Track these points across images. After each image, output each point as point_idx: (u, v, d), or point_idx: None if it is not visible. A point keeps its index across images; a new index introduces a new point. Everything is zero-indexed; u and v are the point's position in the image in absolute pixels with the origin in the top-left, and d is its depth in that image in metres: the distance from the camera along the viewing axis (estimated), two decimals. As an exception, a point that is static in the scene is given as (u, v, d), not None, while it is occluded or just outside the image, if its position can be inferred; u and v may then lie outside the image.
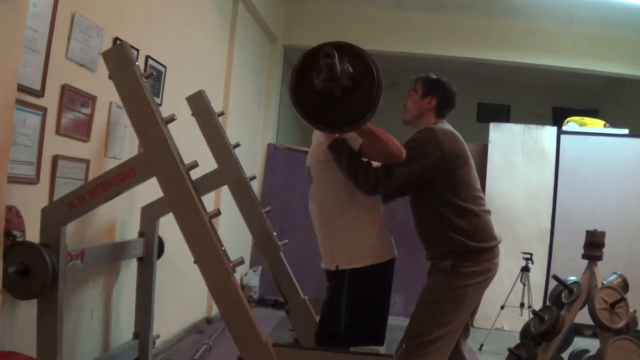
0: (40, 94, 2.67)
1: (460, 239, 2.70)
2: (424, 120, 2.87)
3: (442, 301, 2.72)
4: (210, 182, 3.48)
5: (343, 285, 2.71)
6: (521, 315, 5.42)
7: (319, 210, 2.82)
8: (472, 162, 2.88)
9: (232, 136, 3.62)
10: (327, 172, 2.76)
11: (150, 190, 2.77)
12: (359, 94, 2.30)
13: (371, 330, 2.79)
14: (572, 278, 3.94)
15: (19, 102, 2.44)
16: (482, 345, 5.22)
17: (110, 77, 2.38)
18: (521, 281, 5.48)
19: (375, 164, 2.72)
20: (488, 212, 2.84)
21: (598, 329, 3.68)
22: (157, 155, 2.27)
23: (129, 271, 3.67)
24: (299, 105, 2.36)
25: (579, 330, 4.32)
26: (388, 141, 2.60)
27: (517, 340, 3.98)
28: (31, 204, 2.59)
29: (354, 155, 2.65)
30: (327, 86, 2.27)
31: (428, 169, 2.69)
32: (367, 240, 2.75)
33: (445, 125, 2.86)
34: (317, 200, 2.83)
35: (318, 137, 2.80)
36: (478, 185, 2.87)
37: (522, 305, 5.49)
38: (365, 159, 2.68)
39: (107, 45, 3.17)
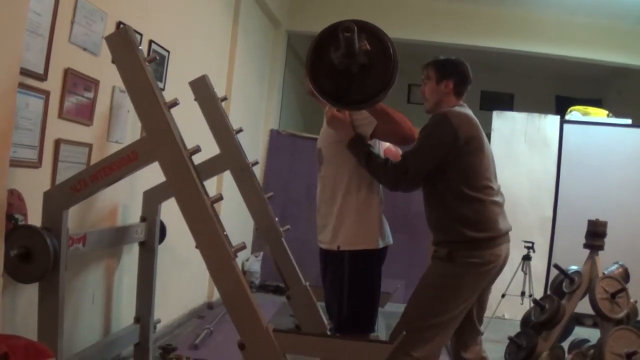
0: (43, 77, 2.66)
1: (459, 229, 2.68)
2: (444, 104, 2.83)
3: (437, 287, 2.71)
4: (212, 167, 3.48)
5: (343, 266, 2.72)
6: (522, 304, 5.43)
7: (330, 190, 2.84)
8: (488, 149, 2.83)
9: (235, 121, 3.60)
10: (339, 154, 2.79)
11: (152, 174, 2.77)
12: (375, 72, 2.26)
13: (365, 316, 2.80)
14: (574, 267, 3.94)
15: (22, 85, 2.43)
16: (482, 334, 5.22)
17: (113, 61, 2.36)
18: (522, 270, 5.49)
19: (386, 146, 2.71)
20: (496, 202, 2.77)
21: (599, 319, 3.69)
22: (159, 139, 2.26)
23: (131, 256, 3.67)
24: (314, 80, 2.31)
25: (579, 319, 4.33)
26: (400, 121, 2.65)
27: (518, 329, 3.99)
28: (33, 188, 2.59)
29: (372, 154, 2.69)
30: (344, 62, 2.23)
31: (442, 155, 2.66)
32: (369, 224, 2.78)
33: (462, 109, 2.81)
34: (327, 181, 2.86)
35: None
36: (490, 174, 2.81)
37: (523, 294, 5.49)
38: (384, 156, 2.73)
39: (111, 29, 3.16)
